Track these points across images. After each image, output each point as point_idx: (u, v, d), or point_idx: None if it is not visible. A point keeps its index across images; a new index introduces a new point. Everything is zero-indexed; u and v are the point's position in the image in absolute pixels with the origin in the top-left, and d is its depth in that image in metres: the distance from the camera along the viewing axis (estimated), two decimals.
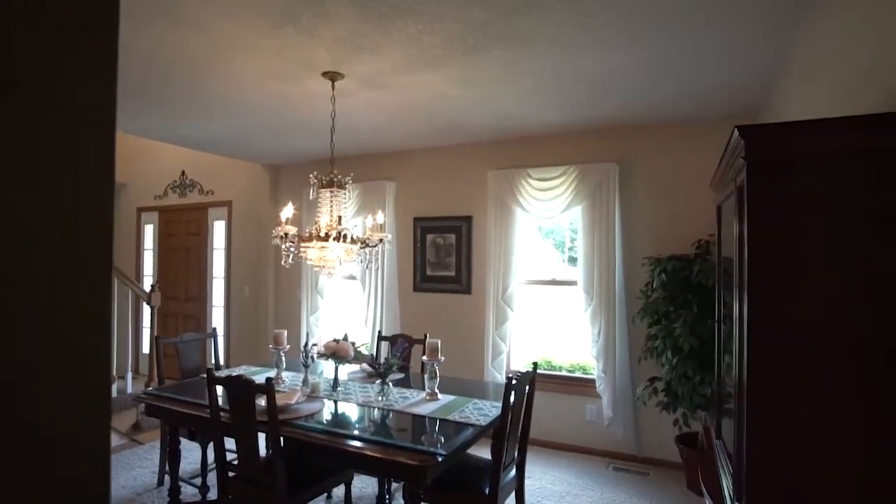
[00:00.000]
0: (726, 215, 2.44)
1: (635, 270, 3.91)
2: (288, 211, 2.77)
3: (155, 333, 4.83)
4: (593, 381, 4.06)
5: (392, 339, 3.81)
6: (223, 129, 4.26)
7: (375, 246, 2.98)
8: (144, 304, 6.84)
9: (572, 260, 6.25)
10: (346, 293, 5.49)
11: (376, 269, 4.88)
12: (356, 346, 3.09)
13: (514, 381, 2.34)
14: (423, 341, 3.63)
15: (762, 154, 1.38)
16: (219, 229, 6.28)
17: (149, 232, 6.94)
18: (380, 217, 3.03)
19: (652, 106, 3.49)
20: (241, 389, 2.37)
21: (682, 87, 3.12)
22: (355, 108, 3.61)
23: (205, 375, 2.64)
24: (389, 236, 3.07)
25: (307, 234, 2.81)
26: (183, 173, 6.54)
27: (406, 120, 3.88)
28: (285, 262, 2.82)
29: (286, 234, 2.73)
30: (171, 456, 2.94)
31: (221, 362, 3.90)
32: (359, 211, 5.01)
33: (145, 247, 6.95)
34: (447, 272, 4.71)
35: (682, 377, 3.23)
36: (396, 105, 3.52)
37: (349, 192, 3.05)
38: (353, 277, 5.13)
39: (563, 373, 4.50)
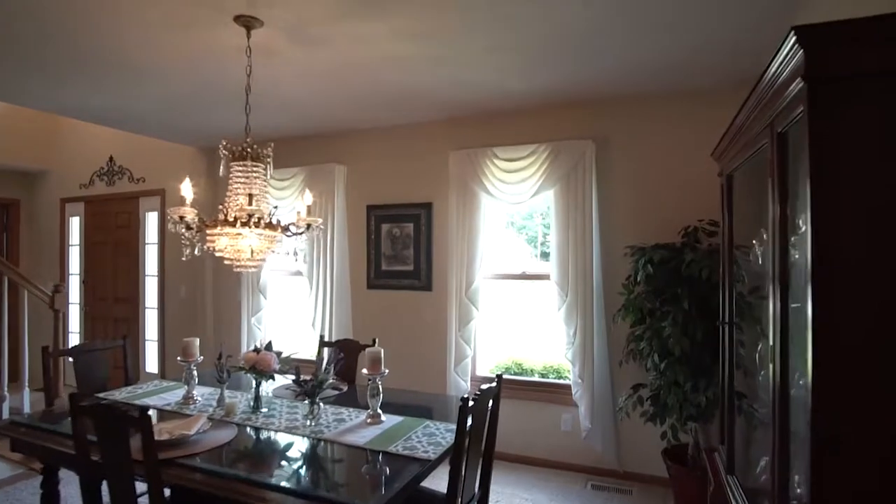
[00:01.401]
0: (741, 187, 1.99)
1: (615, 262, 3.45)
2: (187, 188, 2.19)
3: (64, 340, 4.16)
4: (569, 387, 3.59)
5: (337, 346, 3.25)
6: (134, 102, 3.61)
7: (301, 233, 2.42)
8: (71, 305, 6.15)
9: (545, 255, 5.81)
10: (292, 292, 4.89)
11: (325, 265, 4.30)
12: (284, 355, 2.53)
13: (470, 402, 1.83)
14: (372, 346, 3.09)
15: (839, 68, 0.89)
16: (151, 221, 5.58)
17: (75, 225, 6.17)
18: (307, 197, 2.46)
19: (635, 72, 3.01)
20: (111, 421, 1.79)
21: (672, 47, 2.65)
22: (284, 73, 3.03)
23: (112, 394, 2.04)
24: (319, 220, 2.50)
25: (213, 220, 2.24)
26: (111, 159, 5.80)
27: (349, 89, 3.31)
28: (188, 254, 2.24)
29: (182, 218, 2.15)
30: (43, 501, 2.32)
31: (131, 376, 3.27)
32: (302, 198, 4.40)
33: (71, 242, 6.18)
34: (405, 266, 4.17)
35: (671, 384, 2.78)
36: (334, 68, 2.95)
37: (294, 176, 2.47)
38: (299, 274, 4.54)
39: (536, 377, 4.02)
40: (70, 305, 6.17)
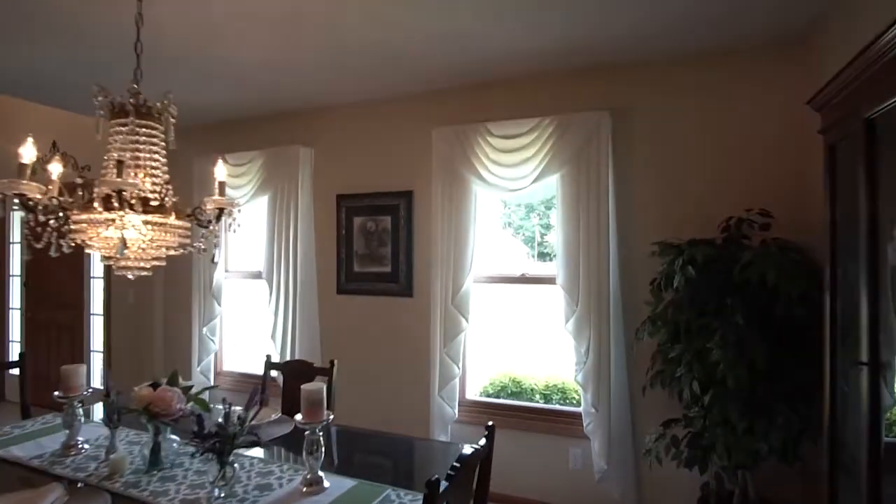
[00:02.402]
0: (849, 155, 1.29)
1: (637, 263, 2.77)
2: (28, 150, 1.51)
3: (4, 351, 3.45)
4: (578, 415, 2.91)
5: (286, 369, 2.57)
6: (41, 60, 2.92)
7: (208, 224, 1.74)
8: (12, 311, 5.45)
9: (543, 256, 5.14)
10: (253, 297, 4.20)
11: (287, 265, 3.62)
12: (192, 391, 1.84)
13: (440, 488, 1.15)
14: (329, 372, 2.41)
15: None
16: None
17: (17, 220, 5.46)
18: (219, 170, 1.78)
19: (665, 28, 2.35)
20: None
21: None
22: (218, 23, 2.34)
23: None
24: (239, 203, 1.82)
25: (77, 200, 1.56)
26: (54, 145, 5.08)
27: (306, 49, 2.63)
28: (28, 255, 1.57)
29: (23, 197, 1.47)
30: None
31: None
32: (261, 188, 3.72)
33: (13, 239, 5.47)
34: (381, 267, 3.49)
35: (718, 423, 2.10)
36: (286, 15, 2.27)
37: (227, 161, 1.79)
38: (258, 276, 3.85)
39: (538, 403, 3.36)
40: (10, 311, 5.49)
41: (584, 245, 2.80)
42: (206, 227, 1.71)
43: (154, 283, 4.38)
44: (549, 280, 3.03)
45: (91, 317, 4.91)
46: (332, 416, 1.63)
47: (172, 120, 1.76)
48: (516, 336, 4.62)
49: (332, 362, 2.46)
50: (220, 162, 1.75)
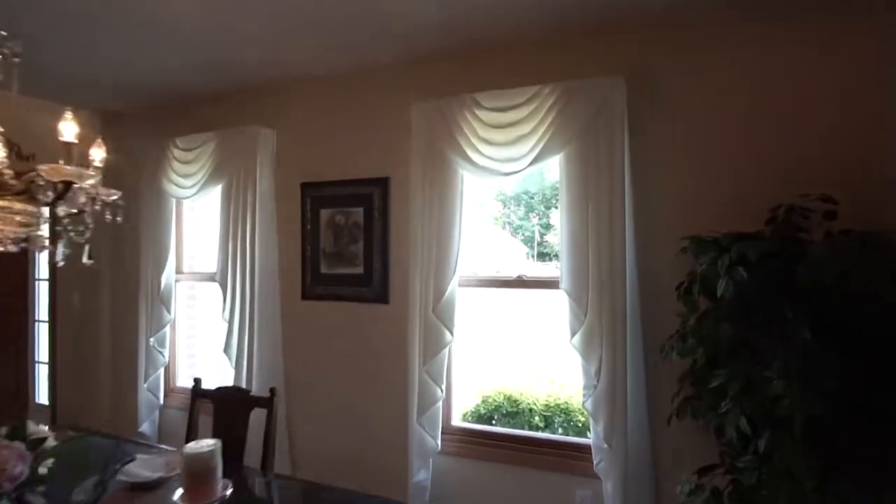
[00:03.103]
0: None
1: (661, 263, 2.25)
2: None
3: None
4: (587, 448, 2.38)
5: (215, 398, 2.04)
6: None
7: (52, 205, 1.21)
8: None
9: (542, 256, 4.61)
10: (211, 302, 3.67)
11: (244, 266, 3.08)
12: (53, 443, 1.31)
13: None
14: (268, 403, 1.89)
15: None
16: None
17: None
18: (67, 127, 1.24)
19: None
20: None
21: None
22: None
23: None
24: (91, 174, 1.29)
25: None
26: None
27: (259, 2, 2.11)
28: None
29: None
30: None
31: None
32: (213, 176, 3.19)
33: None
34: (352, 268, 2.95)
35: (780, 476, 1.57)
36: None
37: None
38: (212, 279, 3.31)
39: (538, 432, 2.85)
40: None
41: (593, 241, 2.27)
42: (50, 208, 1.17)
43: (100, 284, 3.85)
44: (552, 284, 2.51)
45: (36, 324, 4.37)
46: (229, 491, 1.10)
47: (16, 59, 1.23)
48: (512, 347, 4.09)
49: (272, 391, 1.94)
50: (68, 115, 1.21)
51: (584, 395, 2.32)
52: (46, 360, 4.26)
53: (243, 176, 3.09)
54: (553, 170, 2.60)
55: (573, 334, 2.31)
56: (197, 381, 2.13)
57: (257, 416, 1.97)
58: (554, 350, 3.88)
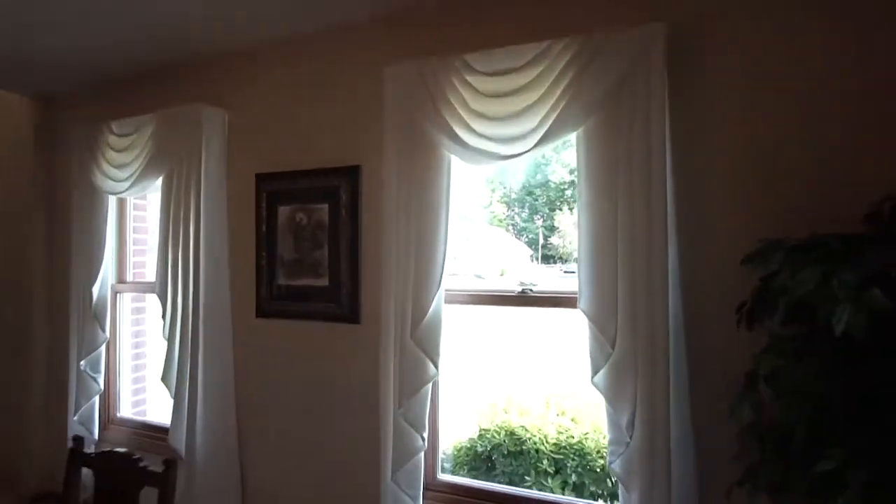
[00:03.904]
0: None
1: (716, 276, 1.66)
2: None
3: None
4: None
5: (98, 465, 1.46)
6: None
7: None
8: None
9: (547, 259, 4.03)
10: (150, 320, 3.11)
11: (187, 276, 2.52)
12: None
13: None
14: (161, 482, 1.30)
15: None
16: None
17: None
18: None
19: None
20: None
21: None
22: None
23: None
24: None
25: None
26: None
27: None
28: None
29: None
30: None
31: None
32: (151, 166, 2.62)
33: None
34: (315, 279, 2.37)
35: None
36: None
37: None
38: (152, 290, 2.75)
39: (549, 494, 2.28)
40: None
41: (624, 249, 1.68)
42: None
43: (34, 295, 3.28)
44: (566, 301, 1.93)
45: None
46: None
47: None
48: (514, 368, 3.51)
49: (166, 464, 1.35)
50: None
51: (610, 451, 1.73)
52: None
53: (186, 166, 2.52)
54: (567, 149, 2.02)
55: (595, 371, 1.72)
56: (76, 443, 1.55)
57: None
58: (565, 373, 3.32)
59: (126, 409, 3.12)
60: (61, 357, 3.06)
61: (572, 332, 1.95)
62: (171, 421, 2.53)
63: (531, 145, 1.79)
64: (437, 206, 1.96)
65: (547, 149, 1.88)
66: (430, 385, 1.98)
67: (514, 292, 2.08)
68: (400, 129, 2.03)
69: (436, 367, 1.96)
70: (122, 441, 2.93)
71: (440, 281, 1.94)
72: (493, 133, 1.86)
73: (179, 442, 2.49)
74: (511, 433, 2.84)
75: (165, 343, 2.58)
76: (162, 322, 2.60)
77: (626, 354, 1.67)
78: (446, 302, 2.01)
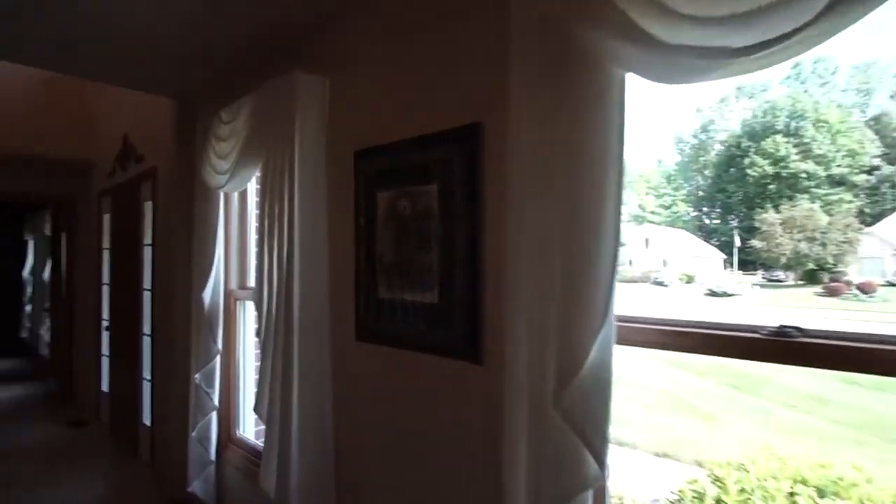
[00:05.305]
0: None
1: None
2: None
3: None
4: None
5: None
6: None
7: None
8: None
9: (746, 265, 2.89)
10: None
11: (280, 285, 2.03)
12: None
13: None
14: None
15: None
16: (149, 214, 4.02)
17: (108, 223, 5.01)
18: None
19: None
20: None
21: None
22: None
23: None
24: None
25: None
26: (125, 139, 4.41)
27: None
28: None
29: None
30: None
31: None
32: (246, 154, 2.21)
33: (105, 245, 5.02)
34: (421, 294, 1.66)
35: None
36: None
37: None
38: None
39: None
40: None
41: None
42: None
43: (176, 302, 3.22)
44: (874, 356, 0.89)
45: (143, 338, 4.05)
46: None
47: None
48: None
49: None
50: None
51: None
52: (150, 377, 3.91)
53: (281, 149, 2.04)
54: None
55: None
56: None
57: None
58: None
59: (249, 429, 2.83)
60: (177, 367, 2.91)
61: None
62: (263, 459, 2.07)
63: (812, 14, 0.80)
64: (600, 167, 1.08)
65: (825, 38, 0.86)
66: (587, 492, 1.11)
67: (761, 333, 1.08)
68: (537, 44, 1.19)
69: (599, 462, 1.08)
70: (240, 464, 2.63)
71: (608, 306, 1.06)
72: (709, 12, 0.91)
73: (269, 485, 2.02)
74: (716, 480, 1.78)
75: (260, 372, 2.14)
76: (258, 341, 2.16)
77: None
78: (620, 342, 1.12)
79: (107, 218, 4.94)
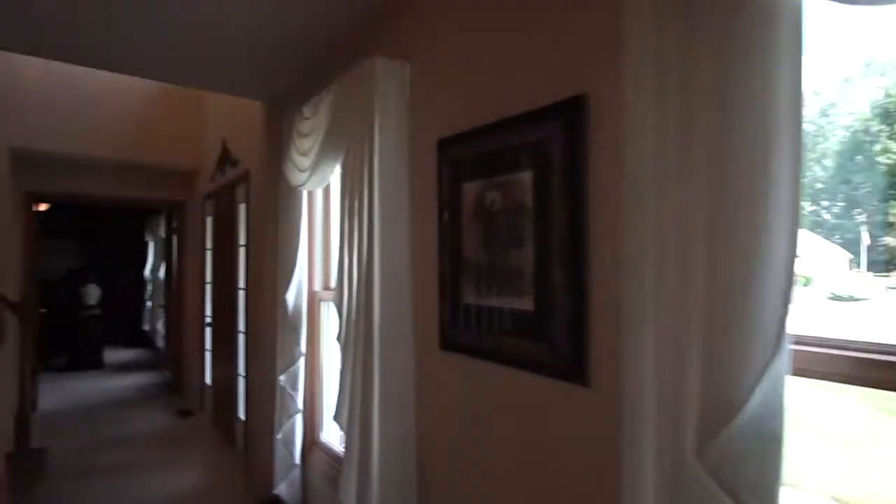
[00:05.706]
0: None
1: None
2: None
3: None
4: None
5: None
6: None
7: None
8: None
9: (878, 265, 2.55)
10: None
11: (360, 288, 1.90)
12: None
13: None
14: None
15: None
16: (243, 215, 4.15)
17: (210, 225, 5.30)
18: None
19: None
20: None
21: None
22: None
23: None
24: None
25: None
26: (224, 144, 4.62)
27: None
28: None
29: None
30: None
31: None
32: (325, 146, 2.11)
33: (208, 245, 5.33)
34: (513, 299, 1.43)
35: None
36: None
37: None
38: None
39: None
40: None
41: None
42: None
43: (263, 303, 3.25)
44: None
45: (238, 335, 4.19)
46: None
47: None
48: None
49: None
50: None
51: None
52: (244, 373, 4.03)
53: (359, 139, 1.91)
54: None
55: None
56: None
57: None
58: None
59: (333, 434, 2.76)
60: (262, 367, 2.91)
61: None
62: (343, 471, 1.95)
63: None
64: (764, 135, 0.78)
65: None
66: None
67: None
68: None
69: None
70: (324, 470, 2.56)
71: (780, 330, 0.76)
72: None
73: (349, 498, 1.89)
74: None
75: (344, 373, 2.02)
76: (339, 345, 2.05)
77: None
78: (796, 373, 0.81)
79: (209, 220, 5.22)
